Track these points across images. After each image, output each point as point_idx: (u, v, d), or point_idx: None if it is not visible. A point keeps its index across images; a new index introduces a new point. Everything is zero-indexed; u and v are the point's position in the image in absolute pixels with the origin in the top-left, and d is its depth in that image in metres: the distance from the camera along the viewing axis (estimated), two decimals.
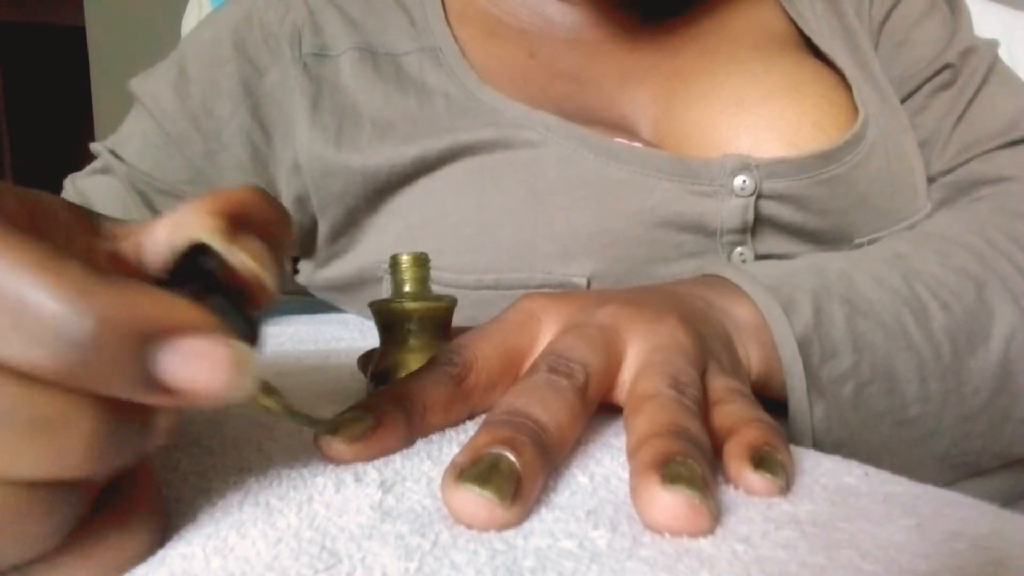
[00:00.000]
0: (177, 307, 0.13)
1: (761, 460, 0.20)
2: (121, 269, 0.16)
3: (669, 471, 0.18)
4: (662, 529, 0.17)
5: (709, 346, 0.27)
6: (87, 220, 0.17)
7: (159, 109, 0.47)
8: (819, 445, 0.31)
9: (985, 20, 0.54)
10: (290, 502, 0.19)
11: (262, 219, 0.17)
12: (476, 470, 0.18)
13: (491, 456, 0.18)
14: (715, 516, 0.17)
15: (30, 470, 0.12)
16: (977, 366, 0.33)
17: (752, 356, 0.30)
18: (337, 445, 0.20)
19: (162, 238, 0.16)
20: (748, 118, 0.42)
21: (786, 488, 0.20)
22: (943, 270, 0.36)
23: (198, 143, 0.47)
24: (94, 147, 0.50)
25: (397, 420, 0.21)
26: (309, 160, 0.44)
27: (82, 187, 0.49)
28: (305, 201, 0.46)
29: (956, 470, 0.35)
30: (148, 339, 0.12)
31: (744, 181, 0.39)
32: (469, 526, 0.17)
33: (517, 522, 0.17)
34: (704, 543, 0.17)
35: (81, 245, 0.16)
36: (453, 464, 0.18)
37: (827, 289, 0.33)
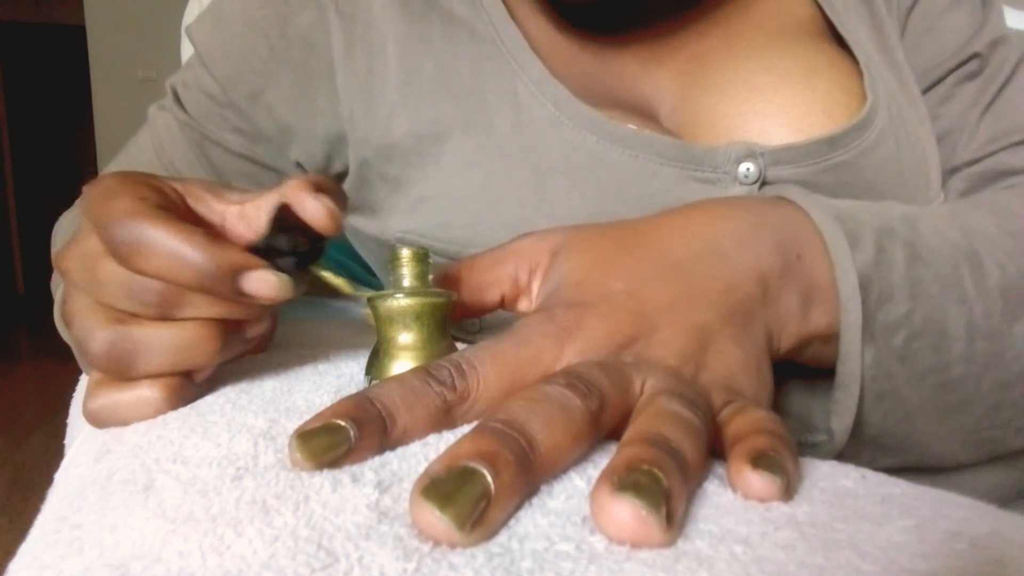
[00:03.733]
0: (249, 258, 0.25)
1: (760, 459, 0.20)
2: (236, 225, 0.28)
3: (623, 479, 0.17)
4: (612, 539, 0.17)
5: (739, 379, 0.26)
6: (218, 191, 0.29)
7: (208, 54, 0.48)
8: (864, 395, 0.30)
9: None
10: (287, 501, 0.18)
11: (330, 191, 0.28)
12: (444, 487, 0.17)
13: (465, 471, 0.17)
14: (668, 529, 0.17)
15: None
16: (1021, 332, 0.33)
17: (786, 331, 0.29)
18: (302, 463, 0.20)
19: (261, 206, 0.27)
20: (758, 104, 0.41)
21: (786, 490, 0.20)
22: (999, 231, 0.35)
23: (244, 84, 0.47)
24: (169, 81, 0.52)
25: (371, 446, 0.21)
26: (344, 101, 0.45)
27: (153, 119, 0.51)
28: (344, 140, 0.47)
29: (980, 446, 0.34)
30: (236, 272, 0.25)
31: (748, 168, 0.39)
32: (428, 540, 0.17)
33: (475, 544, 0.17)
34: (702, 544, 0.17)
35: (214, 208, 0.28)
36: (426, 471, 0.18)
37: (891, 230, 0.32)
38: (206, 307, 0.26)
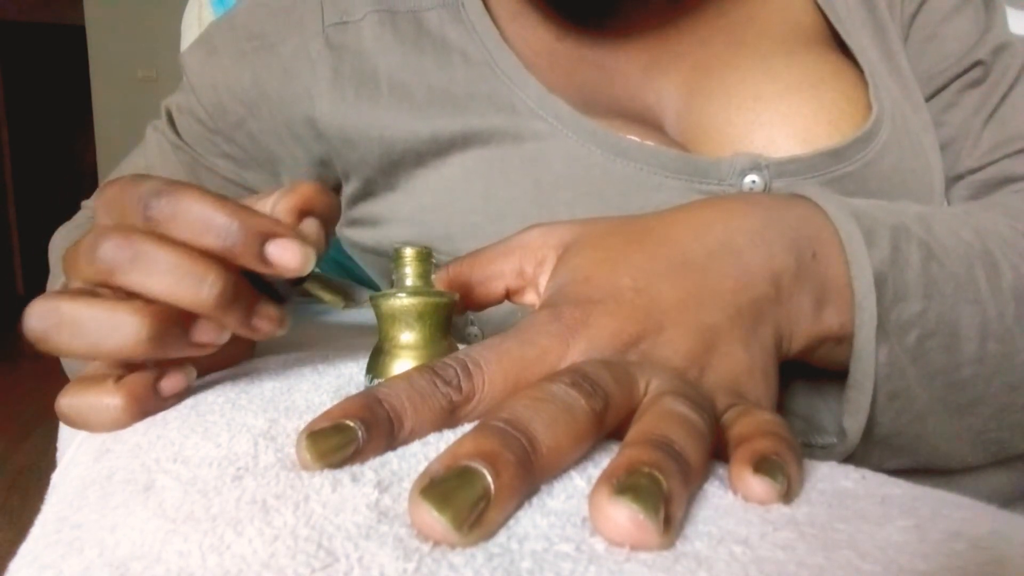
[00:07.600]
0: (279, 224, 0.26)
1: (762, 464, 0.20)
2: None
3: (622, 481, 0.17)
4: (610, 541, 0.17)
5: (744, 382, 0.26)
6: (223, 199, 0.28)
7: (198, 84, 0.50)
8: (876, 394, 0.30)
9: None
10: (287, 501, 0.18)
11: (319, 205, 0.29)
12: (442, 487, 0.17)
13: (465, 471, 0.17)
14: (666, 533, 0.17)
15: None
16: None
17: (797, 332, 0.29)
18: (310, 464, 0.20)
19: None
20: (764, 115, 0.41)
21: (786, 494, 0.19)
22: (1012, 232, 0.35)
23: (230, 114, 0.48)
24: (164, 103, 0.53)
25: (378, 447, 0.21)
26: (330, 128, 0.45)
27: (148, 139, 0.53)
28: (329, 164, 0.47)
29: (987, 448, 0.34)
30: (262, 236, 0.25)
31: (754, 180, 0.39)
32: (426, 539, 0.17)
33: (474, 544, 0.17)
34: (702, 545, 0.17)
35: None
36: (425, 471, 0.18)
37: (906, 228, 0.31)
38: (151, 275, 0.24)
